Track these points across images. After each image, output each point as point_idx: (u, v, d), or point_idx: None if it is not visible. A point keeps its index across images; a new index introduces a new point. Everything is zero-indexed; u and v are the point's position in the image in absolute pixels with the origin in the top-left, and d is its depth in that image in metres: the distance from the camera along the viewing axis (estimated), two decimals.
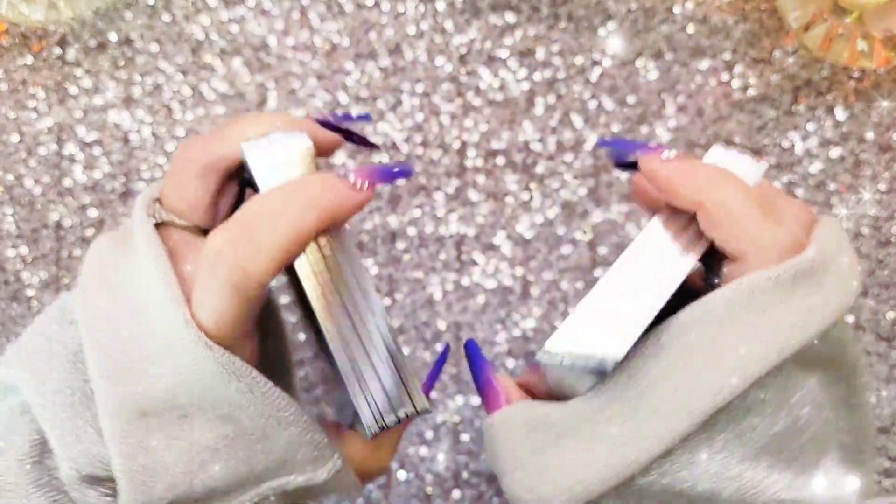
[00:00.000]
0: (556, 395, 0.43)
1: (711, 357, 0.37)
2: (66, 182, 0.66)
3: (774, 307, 0.37)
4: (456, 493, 0.65)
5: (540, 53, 0.66)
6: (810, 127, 0.65)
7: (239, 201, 0.45)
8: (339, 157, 0.66)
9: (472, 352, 0.49)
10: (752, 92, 0.65)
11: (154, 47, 0.66)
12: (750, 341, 0.37)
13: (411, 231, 0.66)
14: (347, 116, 0.47)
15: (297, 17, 0.66)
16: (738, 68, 0.65)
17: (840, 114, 0.65)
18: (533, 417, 0.43)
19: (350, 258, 0.40)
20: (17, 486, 0.39)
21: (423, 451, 0.66)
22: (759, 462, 0.38)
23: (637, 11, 0.65)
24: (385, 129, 0.66)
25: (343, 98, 0.65)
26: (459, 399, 0.65)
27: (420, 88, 0.66)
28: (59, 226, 0.66)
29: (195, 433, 0.39)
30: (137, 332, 0.39)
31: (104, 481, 0.39)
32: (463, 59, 0.66)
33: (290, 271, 0.41)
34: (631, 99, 0.65)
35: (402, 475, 0.66)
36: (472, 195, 0.66)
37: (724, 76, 0.65)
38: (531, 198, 0.66)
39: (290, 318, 0.64)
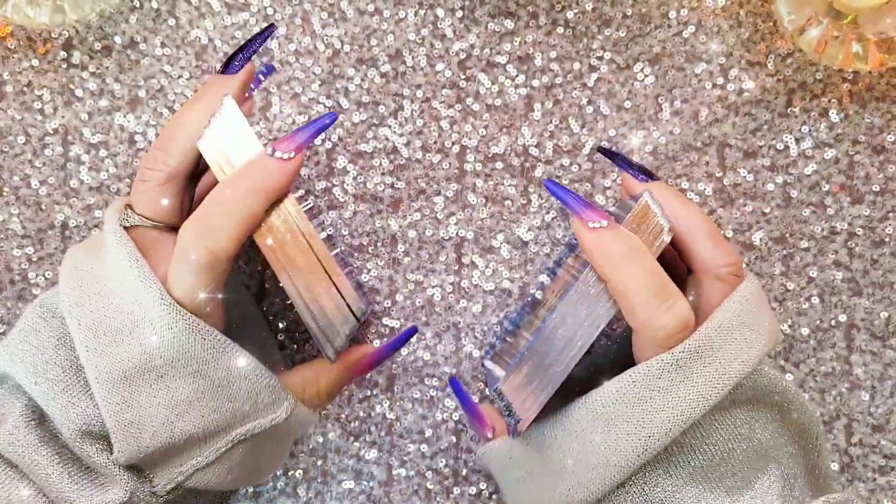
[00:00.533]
0: None
1: (634, 422, 0.46)
2: (72, 183, 0.67)
3: (675, 385, 0.45)
4: (456, 491, 0.66)
5: (538, 59, 0.66)
6: (805, 129, 0.66)
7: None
8: (340, 162, 0.66)
9: (456, 389, 0.58)
10: (747, 95, 0.66)
11: (158, 51, 0.67)
12: (658, 416, 0.45)
13: (411, 234, 0.66)
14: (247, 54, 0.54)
15: (299, 23, 0.66)
16: (733, 72, 0.66)
17: (834, 116, 0.66)
18: (511, 455, 0.53)
19: (295, 215, 0.49)
20: (27, 443, 0.46)
21: (424, 448, 0.66)
22: (687, 490, 0.46)
23: (633, 17, 0.66)
24: (386, 134, 0.66)
25: (344, 103, 0.66)
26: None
27: (420, 94, 0.66)
28: (64, 226, 0.67)
29: (171, 389, 0.47)
30: (115, 311, 0.47)
31: (100, 438, 0.47)
32: (462, 65, 0.66)
33: (252, 242, 0.50)
34: (627, 103, 0.66)
35: (402, 473, 0.66)
36: (472, 198, 0.66)
37: (720, 80, 0.66)
38: (529, 201, 0.66)
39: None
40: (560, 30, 0.66)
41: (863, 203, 0.66)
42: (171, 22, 0.66)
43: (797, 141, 0.66)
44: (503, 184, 0.66)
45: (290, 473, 0.66)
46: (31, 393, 0.47)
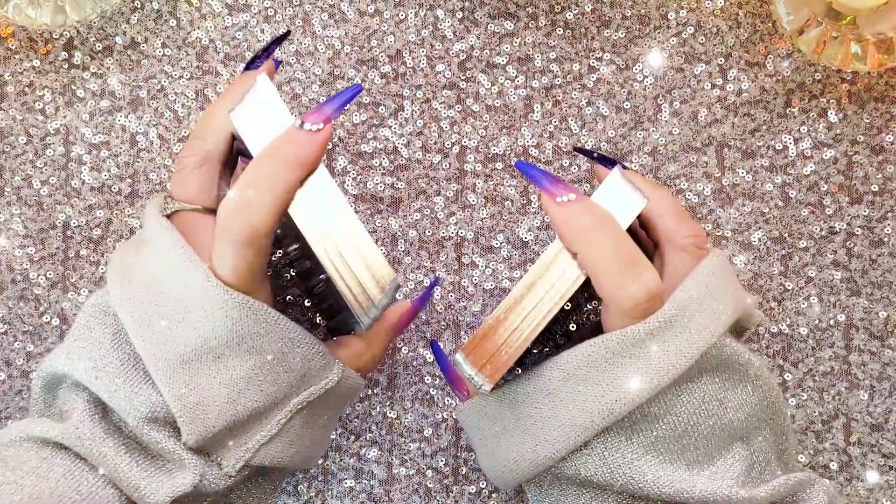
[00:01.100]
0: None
1: (603, 385, 0.47)
2: (74, 183, 0.67)
3: (645, 353, 0.46)
4: (456, 489, 0.66)
5: (538, 60, 0.66)
6: (803, 129, 0.66)
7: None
8: (340, 162, 0.67)
9: (437, 351, 0.59)
10: (746, 95, 0.66)
11: (159, 51, 0.67)
12: (627, 382, 0.46)
13: (412, 233, 0.66)
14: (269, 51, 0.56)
15: (300, 24, 0.67)
16: (732, 72, 0.66)
17: (833, 116, 0.66)
18: (486, 411, 0.53)
19: (329, 186, 0.49)
20: (93, 435, 0.47)
21: (424, 447, 0.66)
22: (646, 459, 0.47)
23: (632, 18, 0.66)
24: (386, 135, 0.66)
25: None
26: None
27: (420, 94, 0.66)
28: (66, 226, 0.67)
29: (230, 368, 0.47)
30: (165, 299, 0.48)
31: (165, 424, 0.47)
32: (462, 66, 0.67)
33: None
34: (626, 104, 0.66)
35: (402, 471, 0.67)
36: (472, 199, 0.66)
37: (719, 80, 0.66)
38: (529, 202, 0.66)
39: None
40: (560, 31, 0.66)
41: (861, 203, 0.66)
42: (172, 23, 0.67)
43: (796, 141, 0.66)
44: (503, 184, 0.66)
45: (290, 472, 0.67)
46: (91, 388, 0.48)
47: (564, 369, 0.48)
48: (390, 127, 0.66)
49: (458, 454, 0.66)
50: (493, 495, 0.66)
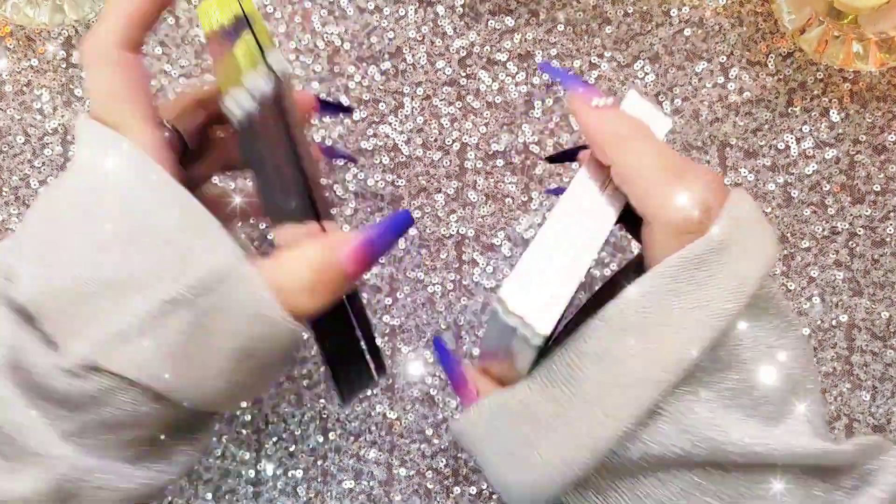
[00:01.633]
0: (506, 374, 0.45)
1: (670, 325, 0.38)
2: None
3: (713, 277, 0.38)
4: (456, 490, 0.66)
5: (539, 57, 0.66)
6: (805, 129, 0.66)
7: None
8: (340, 160, 0.66)
9: (439, 349, 0.51)
10: (747, 94, 0.66)
11: (158, 50, 0.67)
12: (696, 314, 0.38)
13: (412, 231, 0.66)
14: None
15: (299, 20, 0.66)
16: (733, 71, 0.66)
17: (835, 116, 0.66)
18: (510, 407, 0.42)
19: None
20: None
21: (424, 448, 0.66)
22: (725, 415, 0.39)
23: (634, 15, 0.66)
24: (386, 132, 0.66)
25: (344, 100, 0.66)
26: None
27: (421, 91, 0.66)
28: None
29: (98, 221, 0.39)
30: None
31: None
32: (463, 63, 0.66)
33: None
34: None
35: (402, 472, 0.66)
36: (472, 196, 0.66)
37: (720, 79, 0.66)
38: (530, 199, 0.66)
39: None
40: (561, 27, 0.66)
41: (864, 203, 0.66)
42: (171, 21, 0.67)
43: (798, 141, 0.66)
44: (504, 181, 0.66)
45: (289, 473, 0.66)
46: None
47: (615, 321, 0.39)
48: (390, 124, 0.66)
49: (459, 455, 0.66)
50: (494, 496, 0.66)
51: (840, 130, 0.66)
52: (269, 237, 0.66)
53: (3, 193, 0.66)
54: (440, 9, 0.66)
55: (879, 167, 0.66)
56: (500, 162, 0.66)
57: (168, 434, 0.42)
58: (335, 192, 0.66)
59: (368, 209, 0.66)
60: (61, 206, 0.40)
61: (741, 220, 0.40)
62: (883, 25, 0.61)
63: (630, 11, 0.66)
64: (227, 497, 0.65)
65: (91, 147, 0.40)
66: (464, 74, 0.66)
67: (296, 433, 0.66)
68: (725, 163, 0.66)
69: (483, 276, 0.66)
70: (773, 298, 0.41)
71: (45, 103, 0.67)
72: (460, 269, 0.66)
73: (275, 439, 0.66)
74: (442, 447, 0.66)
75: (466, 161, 0.66)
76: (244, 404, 0.66)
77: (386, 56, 0.66)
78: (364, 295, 0.65)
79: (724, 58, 0.66)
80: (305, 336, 0.65)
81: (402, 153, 0.66)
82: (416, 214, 0.66)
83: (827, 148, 0.66)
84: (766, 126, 0.66)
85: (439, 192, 0.66)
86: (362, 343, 0.46)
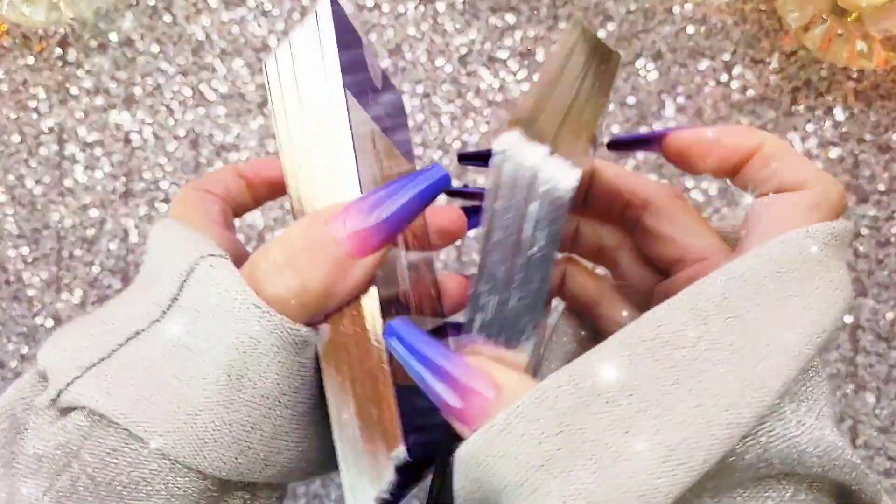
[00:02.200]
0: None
1: (803, 299, 0.32)
2: (67, 182, 0.66)
3: (830, 261, 0.34)
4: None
5: (540, 54, 0.66)
6: (809, 127, 0.65)
7: None
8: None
9: (400, 339, 0.33)
10: (751, 93, 0.65)
11: (155, 48, 0.66)
12: (831, 289, 0.33)
13: None
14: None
15: (297, 18, 0.66)
16: (737, 69, 0.65)
17: (839, 114, 0.65)
18: (582, 392, 0.30)
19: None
20: None
21: None
22: (826, 421, 0.32)
23: (636, 12, 0.66)
24: None
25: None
26: None
27: (420, 89, 0.66)
28: (59, 226, 0.66)
29: None
30: None
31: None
32: (463, 60, 0.66)
33: None
34: (631, 99, 0.65)
35: None
36: None
37: (724, 77, 0.65)
38: None
39: None
40: (562, 24, 0.66)
41: (868, 202, 0.65)
42: (168, 18, 0.66)
43: (802, 139, 0.65)
44: None
45: None
46: None
47: (748, 279, 0.32)
48: None
49: None
50: None
51: (844, 129, 0.65)
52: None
53: None
54: (440, 6, 0.66)
55: (884, 166, 0.65)
56: None
57: None
58: None
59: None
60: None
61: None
62: (887, 23, 0.60)
63: (632, 8, 0.65)
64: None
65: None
66: (464, 72, 0.66)
67: None
68: None
69: None
70: None
71: (40, 102, 0.66)
72: (460, 269, 0.66)
73: None
74: None
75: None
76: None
77: (385, 54, 0.66)
78: None
79: (728, 55, 0.65)
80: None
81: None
82: None
83: (831, 147, 0.65)
84: (770, 125, 0.65)
85: None
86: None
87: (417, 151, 0.66)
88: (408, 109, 0.66)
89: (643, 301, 0.43)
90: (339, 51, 0.34)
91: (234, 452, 0.32)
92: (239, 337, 0.32)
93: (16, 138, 0.66)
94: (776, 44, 0.65)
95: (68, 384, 0.32)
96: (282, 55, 0.34)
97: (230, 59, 0.66)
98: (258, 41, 0.66)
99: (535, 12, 0.66)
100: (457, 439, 0.31)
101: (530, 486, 0.29)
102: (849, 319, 0.65)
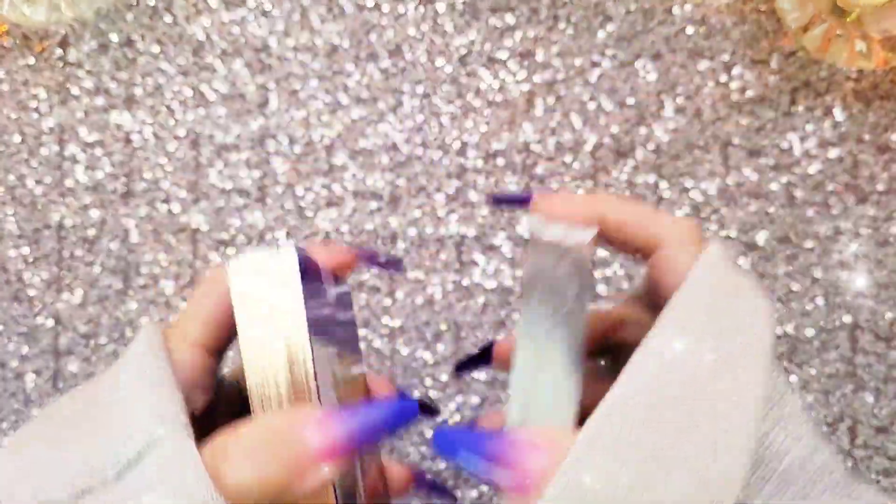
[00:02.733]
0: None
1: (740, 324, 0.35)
2: (68, 182, 0.66)
3: (745, 288, 0.36)
4: (457, 493, 0.65)
5: (539, 55, 0.66)
6: (809, 128, 0.65)
7: None
8: (339, 158, 0.66)
9: (447, 440, 0.35)
10: (750, 93, 0.65)
11: (155, 48, 0.66)
12: (757, 300, 0.36)
13: (412, 231, 0.66)
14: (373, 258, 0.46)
15: (297, 19, 0.66)
16: (736, 69, 0.65)
17: (839, 115, 0.65)
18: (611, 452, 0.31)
19: None
20: None
21: (424, 450, 0.66)
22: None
23: (636, 13, 0.66)
24: (385, 130, 0.66)
25: (343, 99, 0.66)
26: (459, 398, 0.65)
27: (420, 90, 0.66)
28: (60, 226, 0.66)
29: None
30: None
31: None
32: (463, 61, 0.66)
33: None
34: (630, 100, 0.66)
35: None
36: (473, 196, 0.66)
37: (723, 77, 0.65)
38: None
39: None
40: (562, 25, 0.66)
41: (867, 202, 0.65)
42: (168, 19, 0.66)
43: (801, 140, 0.65)
44: (504, 181, 0.66)
45: None
46: None
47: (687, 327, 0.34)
48: (389, 123, 0.66)
49: None
50: (495, 499, 0.65)
51: (843, 129, 0.65)
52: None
53: None
54: (440, 6, 0.66)
55: (883, 167, 0.65)
56: (500, 161, 0.66)
57: None
58: (333, 191, 0.66)
59: (367, 209, 0.66)
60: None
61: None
62: (886, 24, 0.60)
63: (632, 9, 0.66)
64: None
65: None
66: (464, 73, 0.66)
67: None
68: (728, 162, 0.65)
69: (484, 277, 0.66)
70: None
71: (41, 102, 0.66)
72: (461, 269, 0.66)
73: None
74: None
75: (467, 160, 0.66)
76: None
77: (385, 54, 0.66)
78: (363, 295, 0.65)
79: (727, 56, 0.65)
80: None
81: (402, 152, 0.66)
82: (416, 214, 0.66)
83: (830, 147, 0.65)
84: (769, 125, 0.65)
85: (439, 191, 0.66)
86: None
87: (418, 151, 0.66)
88: (408, 109, 0.66)
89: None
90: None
91: None
92: None
93: (16, 138, 0.66)
94: (775, 44, 0.65)
95: None
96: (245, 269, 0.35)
97: (230, 59, 0.66)
98: (258, 42, 0.66)
99: (535, 13, 0.66)
100: None
101: None
102: (848, 320, 0.65)
